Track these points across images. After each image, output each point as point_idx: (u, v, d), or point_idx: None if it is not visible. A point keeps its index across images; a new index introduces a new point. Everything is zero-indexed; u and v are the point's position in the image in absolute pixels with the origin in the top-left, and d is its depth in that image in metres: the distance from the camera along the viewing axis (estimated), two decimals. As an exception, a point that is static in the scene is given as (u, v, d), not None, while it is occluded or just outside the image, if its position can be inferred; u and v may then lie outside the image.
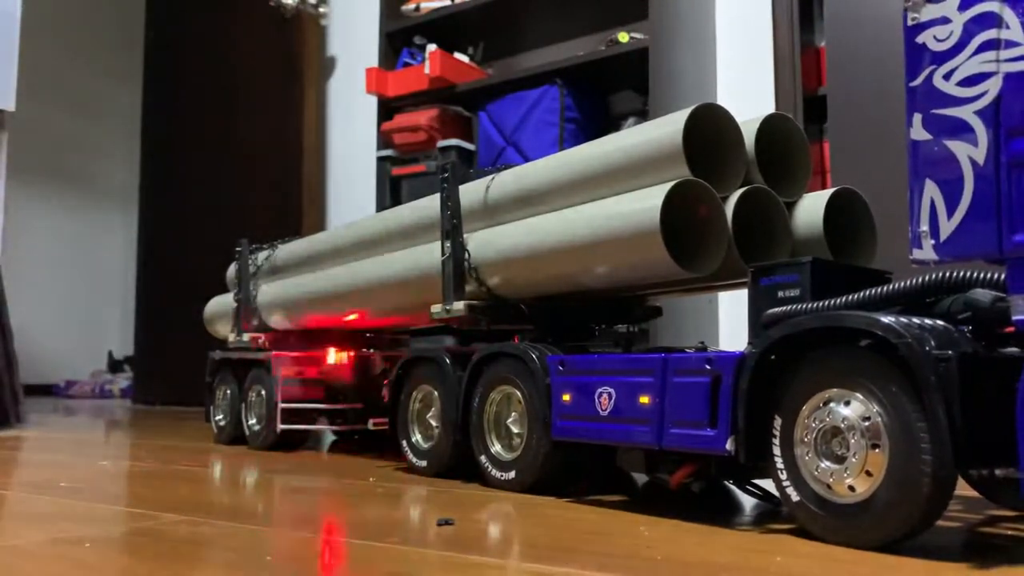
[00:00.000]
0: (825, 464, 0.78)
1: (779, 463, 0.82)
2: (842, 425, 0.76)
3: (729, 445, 0.84)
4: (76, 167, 4.76)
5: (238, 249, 1.78)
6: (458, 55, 3.24)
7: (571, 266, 1.08)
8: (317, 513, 0.97)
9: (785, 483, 0.81)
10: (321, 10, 3.77)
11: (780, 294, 0.87)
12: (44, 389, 4.30)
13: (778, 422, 0.82)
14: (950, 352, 0.70)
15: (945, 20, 0.76)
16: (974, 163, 0.71)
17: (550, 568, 0.69)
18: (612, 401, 0.96)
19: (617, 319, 1.16)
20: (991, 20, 0.71)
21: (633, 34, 2.79)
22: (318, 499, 1.08)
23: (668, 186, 0.96)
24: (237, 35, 3.98)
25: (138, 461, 1.52)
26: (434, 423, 1.23)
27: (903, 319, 0.73)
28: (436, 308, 1.23)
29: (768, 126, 1.09)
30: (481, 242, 1.20)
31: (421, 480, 1.21)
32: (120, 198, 4.87)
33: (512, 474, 1.09)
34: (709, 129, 1.01)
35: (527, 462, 1.07)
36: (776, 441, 0.82)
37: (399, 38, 3.39)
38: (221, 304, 1.93)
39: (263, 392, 1.56)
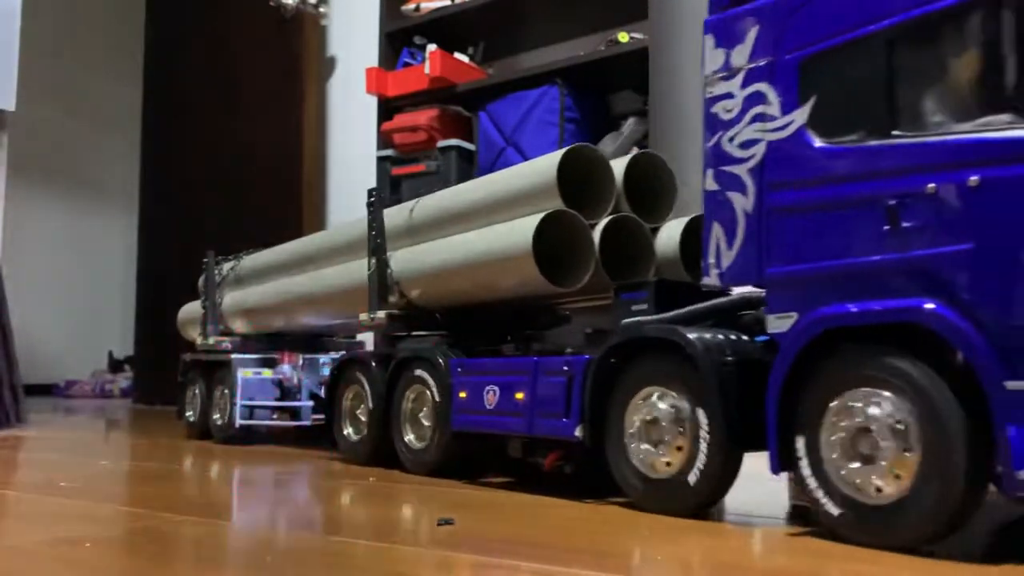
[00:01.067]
0: (646, 446, 0.95)
1: (614, 446, 0.98)
2: (658, 415, 0.94)
3: (578, 432, 1.02)
4: (76, 167, 4.76)
5: (205, 260, 1.91)
6: (458, 55, 3.24)
7: (470, 281, 1.25)
8: (317, 513, 0.98)
9: (618, 463, 0.98)
10: (321, 10, 3.77)
11: (633, 307, 1.02)
12: (44, 389, 4.30)
13: (614, 413, 0.98)
14: (730, 358, 0.88)
15: (731, 95, 0.92)
16: (745, 211, 0.90)
17: (551, 568, 0.69)
18: (496, 397, 1.13)
19: (526, 326, 1.30)
20: (760, 98, 0.89)
21: (633, 34, 2.79)
22: (318, 499, 1.08)
23: (541, 215, 1.13)
24: (237, 35, 3.98)
25: (138, 461, 1.52)
26: (363, 417, 1.36)
27: (706, 333, 0.91)
28: (363, 316, 1.38)
29: (639, 162, 1.27)
30: (403, 259, 1.35)
31: (419, 480, 1.21)
32: (120, 198, 4.87)
33: (421, 460, 1.25)
34: (583, 166, 1.18)
35: (433, 450, 1.23)
36: (612, 428, 0.98)
37: (399, 38, 3.39)
38: (191, 310, 2.05)
39: (226, 391, 1.68)
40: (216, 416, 1.73)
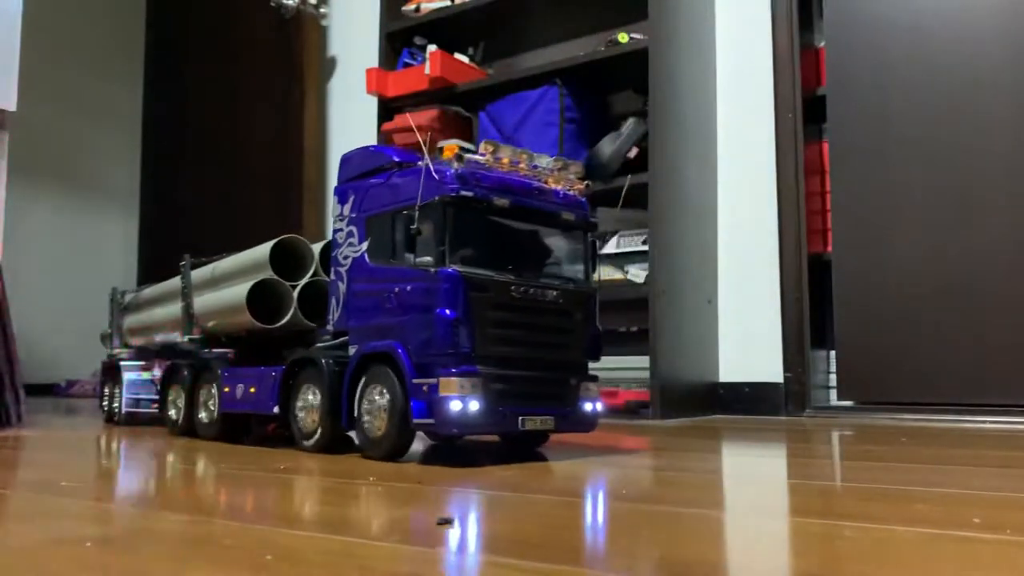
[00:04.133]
0: (302, 415, 1.58)
1: (292, 416, 1.61)
2: (310, 397, 1.57)
3: (275, 409, 1.63)
4: (77, 167, 4.76)
5: (109, 294, 2.59)
6: (458, 55, 3.24)
7: (228, 320, 1.88)
8: (315, 512, 0.98)
9: (293, 425, 1.60)
10: (321, 10, 3.77)
11: (324, 338, 1.65)
12: (45, 389, 4.30)
13: (295, 399, 1.60)
14: (337, 368, 1.50)
15: (342, 230, 1.58)
16: (343, 292, 1.55)
17: (551, 567, 0.69)
18: (242, 391, 1.74)
19: (301, 345, 1.77)
20: (352, 234, 1.54)
21: (633, 34, 2.79)
22: (315, 498, 1.08)
23: (253, 281, 1.78)
24: (237, 35, 3.98)
25: (138, 460, 1.53)
26: (180, 404, 1.98)
27: (331, 356, 1.53)
28: (179, 339, 2.08)
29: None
30: (202, 301, 1.99)
31: (418, 480, 1.21)
32: (121, 198, 4.87)
33: (207, 430, 1.87)
34: (297, 245, 1.84)
35: (213, 424, 1.86)
36: (297, 406, 1.60)
37: (399, 38, 3.39)
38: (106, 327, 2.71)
39: (119, 388, 2.32)
40: (116, 405, 2.34)
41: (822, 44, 2.80)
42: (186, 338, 2.04)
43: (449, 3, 3.19)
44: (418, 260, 1.38)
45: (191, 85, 4.23)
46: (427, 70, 3.05)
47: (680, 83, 2.74)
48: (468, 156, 1.42)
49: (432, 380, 1.34)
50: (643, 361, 2.61)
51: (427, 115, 3.10)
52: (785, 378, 2.74)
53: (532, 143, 2.84)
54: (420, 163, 1.43)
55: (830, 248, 2.74)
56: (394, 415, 1.38)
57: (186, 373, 1.97)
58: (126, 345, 2.48)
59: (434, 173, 1.39)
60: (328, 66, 3.88)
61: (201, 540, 0.80)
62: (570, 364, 1.50)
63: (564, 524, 0.91)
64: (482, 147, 1.44)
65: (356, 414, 1.46)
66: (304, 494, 1.12)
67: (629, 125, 2.73)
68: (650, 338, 2.57)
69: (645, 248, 2.68)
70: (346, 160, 1.63)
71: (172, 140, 4.38)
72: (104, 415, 2.45)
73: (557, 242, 1.55)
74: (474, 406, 1.34)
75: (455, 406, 1.32)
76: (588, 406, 1.51)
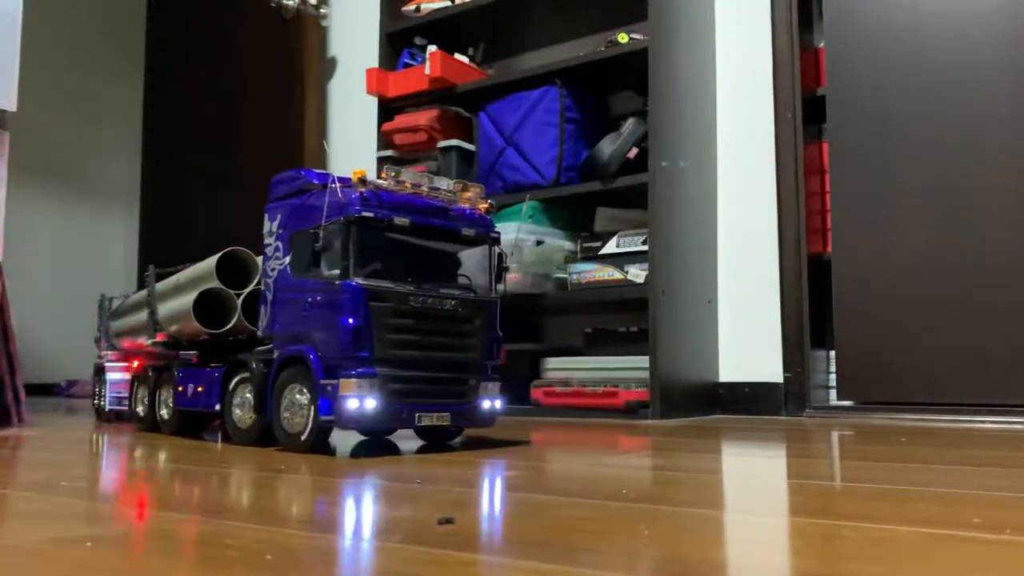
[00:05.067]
0: (239, 412, 1.74)
1: (227, 412, 1.77)
2: (247, 396, 1.72)
3: (217, 406, 1.79)
4: (77, 167, 4.76)
5: (98, 300, 2.73)
6: (458, 56, 3.24)
7: (184, 324, 2.02)
8: (314, 511, 0.98)
9: (228, 419, 1.77)
10: (322, 11, 3.77)
11: (264, 342, 1.75)
12: (45, 389, 4.30)
13: (232, 394, 1.78)
14: (265, 369, 1.66)
15: (271, 244, 1.69)
16: (270, 301, 1.68)
17: (550, 567, 0.69)
18: (191, 390, 1.90)
19: (253, 349, 1.86)
20: (279, 248, 1.67)
21: (633, 34, 2.79)
22: (314, 497, 1.08)
23: (199, 290, 1.96)
24: (238, 35, 3.98)
25: (139, 460, 1.53)
26: (146, 402, 2.16)
27: (261, 359, 1.68)
28: (146, 342, 2.25)
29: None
30: (166, 309, 2.15)
31: (419, 478, 1.21)
32: (121, 198, 4.86)
33: (168, 425, 2.05)
34: (244, 257, 2.00)
35: (172, 420, 2.03)
36: (232, 403, 1.77)
37: (399, 39, 3.39)
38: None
39: (104, 386, 2.50)
40: (103, 402, 2.50)
41: (822, 44, 2.80)
42: (149, 343, 2.20)
43: (449, 3, 3.19)
44: (326, 273, 1.54)
45: (191, 85, 4.23)
46: (427, 70, 3.05)
47: (680, 83, 2.74)
48: (371, 180, 1.57)
49: (335, 381, 1.49)
50: (643, 361, 2.61)
51: (427, 115, 3.09)
52: (785, 378, 2.74)
53: (532, 143, 2.84)
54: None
55: (830, 248, 2.74)
56: (313, 413, 1.54)
57: (150, 373, 2.14)
58: (113, 348, 2.62)
59: (340, 195, 1.54)
60: (328, 66, 3.87)
61: (201, 539, 0.80)
62: (469, 366, 1.65)
63: (564, 524, 0.91)
64: (384, 171, 1.59)
65: (278, 411, 1.60)
66: (303, 494, 1.12)
67: (629, 125, 2.73)
68: (650, 338, 2.56)
69: (645, 248, 2.68)
70: (275, 182, 1.76)
71: (173, 140, 4.38)
72: (95, 410, 2.58)
73: (462, 255, 1.71)
74: (370, 404, 1.49)
75: (352, 404, 1.47)
76: (486, 404, 1.67)
